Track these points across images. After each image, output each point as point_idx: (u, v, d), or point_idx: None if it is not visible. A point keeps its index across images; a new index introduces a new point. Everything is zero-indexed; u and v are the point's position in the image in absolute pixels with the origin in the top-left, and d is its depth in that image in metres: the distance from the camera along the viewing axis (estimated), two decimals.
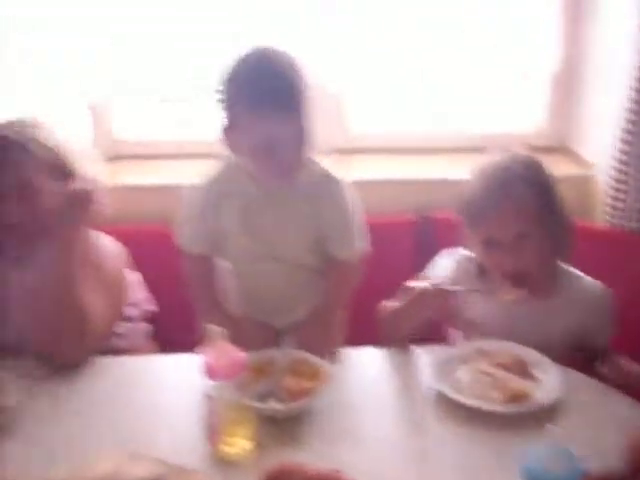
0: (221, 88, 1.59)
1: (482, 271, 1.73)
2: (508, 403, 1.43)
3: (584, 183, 2.28)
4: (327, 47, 2.31)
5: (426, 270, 1.81)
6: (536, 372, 1.53)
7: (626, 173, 2.04)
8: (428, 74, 2.44)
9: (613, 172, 2.07)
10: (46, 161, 1.67)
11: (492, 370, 1.52)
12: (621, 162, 2.04)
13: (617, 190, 2.07)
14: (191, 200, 1.73)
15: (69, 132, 1.86)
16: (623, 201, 2.07)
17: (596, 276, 1.73)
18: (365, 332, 1.66)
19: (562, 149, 2.45)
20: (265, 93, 1.53)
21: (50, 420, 1.46)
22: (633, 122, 1.99)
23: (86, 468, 0.86)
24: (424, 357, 1.61)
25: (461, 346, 1.66)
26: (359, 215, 1.74)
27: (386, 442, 1.38)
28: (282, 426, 1.40)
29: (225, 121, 1.61)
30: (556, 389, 1.46)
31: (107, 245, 1.79)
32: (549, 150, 2.41)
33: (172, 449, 1.33)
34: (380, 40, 2.37)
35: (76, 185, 1.68)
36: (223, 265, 1.78)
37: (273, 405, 1.40)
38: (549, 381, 1.49)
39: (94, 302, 1.64)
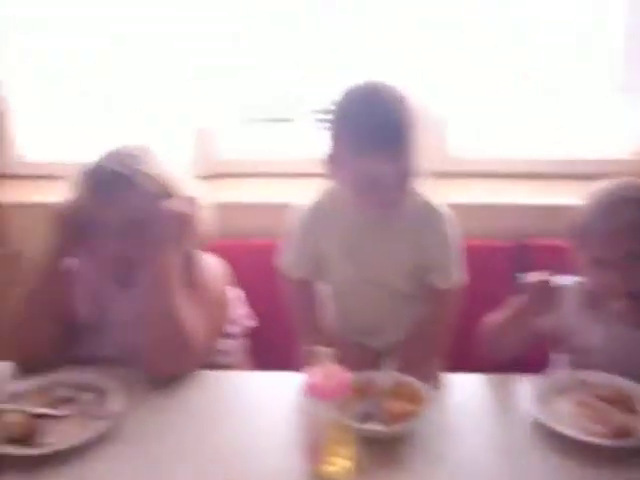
0: (328, 116, 1.61)
1: (592, 297, 1.70)
2: (610, 437, 1.40)
3: None
4: (433, 72, 2.33)
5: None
6: None
7: None
8: (528, 98, 2.43)
9: None
10: (152, 191, 1.68)
11: (594, 402, 1.50)
12: None
13: None
14: (294, 224, 1.76)
15: (171, 151, 1.92)
16: None
17: None
18: (460, 357, 1.67)
19: None
20: (372, 132, 1.54)
21: (151, 429, 1.50)
22: None
23: None
24: (524, 384, 1.59)
25: (563, 375, 1.64)
26: (459, 245, 1.74)
27: (484, 468, 1.38)
28: (381, 448, 1.40)
29: (329, 149, 1.63)
30: None
31: (209, 262, 1.83)
32: None
33: (271, 467, 1.37)
34: (483, 64, 2.37)
35: (176, 206, 1.70)
36: (322, 287, 1.81)
37: (374, 426, 1.42)
38: None
39: (195, 320, 1.67)
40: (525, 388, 1.57)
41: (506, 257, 2.17)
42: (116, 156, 1.71)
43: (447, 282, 1.74)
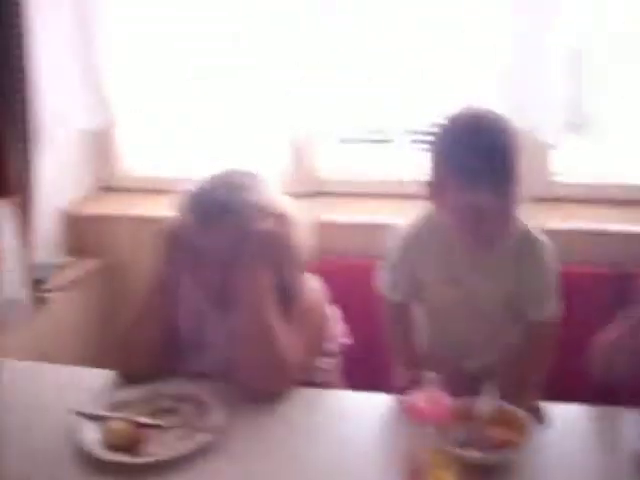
0: (431, 142, 1.60)
1: None
2: None
3: None
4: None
5: None
6: None
7: None
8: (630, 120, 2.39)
9: None
10: (253, 218, 1.68)
11: None
12: None
13: None
14: (393, 246, 1.76)
15: (270, 169, 1.95)
16: None
17: None
18: (559, 389, 1.64)
19: None
20: (477, 163, 1.51)
21: (250, 445, 1.52)
22: None
23: None
24: (631, 416, 1.55)
25: None
26: (556, 277, 1.71)
27: None
28: (480, 474, 1.38)
29: (431, 175, 1.61)
30: None
31: (309, 280, 1.84)
32: None
33: None
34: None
35: (270, 225, 1.70)
36: (417, 309, 1.81)
37: (474, 453, 1.40)
38: None
39: (292, 337, 1.68)
40: (632, 422, 1.52)
41: (607, 285, 2.12)
42: (220, 182, 1.72)
43: (543, 314, 1.71)
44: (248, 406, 1.63)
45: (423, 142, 1.64)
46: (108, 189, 2.82)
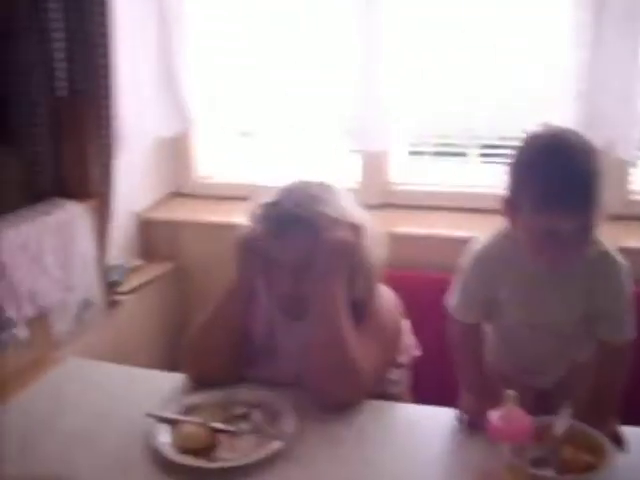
0: (510, 159, 1.57)
1: None
2: None
3: None
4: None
5: None
6: None
7: None
8: None
9: None
10: (328, 227, 1.69)
11: None
12: None
13: None
14: (467, 265, 1.72)
15: (342, 178, 1.95)
16: None
17: None
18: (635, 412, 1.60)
19: None
20: (558, 187, 1.47)
21: (321, 454, 1.53)
22: None
23: None
24: None
25: None
26: (631, 298, 1.66)
27: None
28: None
29: (508, 194, 1.58)
30: None
31: (383, 292, 1.84)
32: None
33: None
34: None
35: (341, 235, 1.70)
36: (486, 326, 1.79)
37: (551, 473, 1.38)
38: None
39: (365, 348, 1.68)
40: None
41: None
42: (295, 194, 1.72)
43: (616, 335, 1.67)
44: (319, 414, 1.64)
45: (500, 156, 1.61)
46: (182, 195, 2.87)
